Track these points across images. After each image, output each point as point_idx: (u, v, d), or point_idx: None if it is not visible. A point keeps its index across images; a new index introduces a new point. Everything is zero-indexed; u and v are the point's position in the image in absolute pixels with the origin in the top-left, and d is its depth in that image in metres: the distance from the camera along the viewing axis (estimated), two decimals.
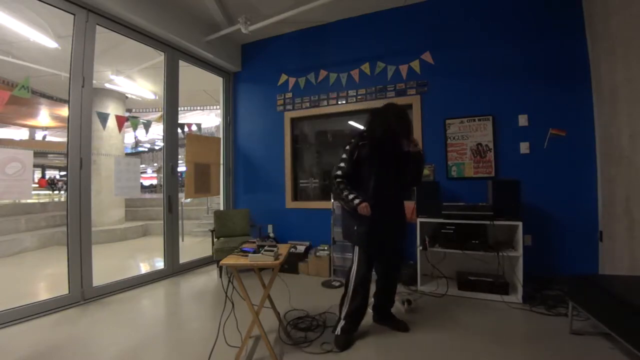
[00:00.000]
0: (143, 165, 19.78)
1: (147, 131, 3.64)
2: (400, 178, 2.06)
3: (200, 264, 4.07)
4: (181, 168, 4.05)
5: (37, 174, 17.89)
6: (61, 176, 17.91)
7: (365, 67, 3.73)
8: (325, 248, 3.60)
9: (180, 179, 4.18)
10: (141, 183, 8.50)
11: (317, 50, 4.02)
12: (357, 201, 1.96)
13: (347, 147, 2.06)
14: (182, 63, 3.89)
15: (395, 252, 2.19)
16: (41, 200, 7.89)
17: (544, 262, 2.95)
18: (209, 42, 3.93)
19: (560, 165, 2.97)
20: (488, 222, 2.71)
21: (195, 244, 5.76)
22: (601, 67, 2.68)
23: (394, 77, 3.60)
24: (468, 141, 3.28)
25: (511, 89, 3.14)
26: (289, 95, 4.17)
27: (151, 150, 18.50)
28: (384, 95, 3.64)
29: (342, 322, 2.03)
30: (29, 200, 6.88)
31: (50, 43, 4.10)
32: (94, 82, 2.99)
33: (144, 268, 4.50)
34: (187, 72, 4.15)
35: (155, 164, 19.93)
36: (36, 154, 13.03)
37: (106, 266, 3.84)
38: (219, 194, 4.42)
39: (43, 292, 3.34)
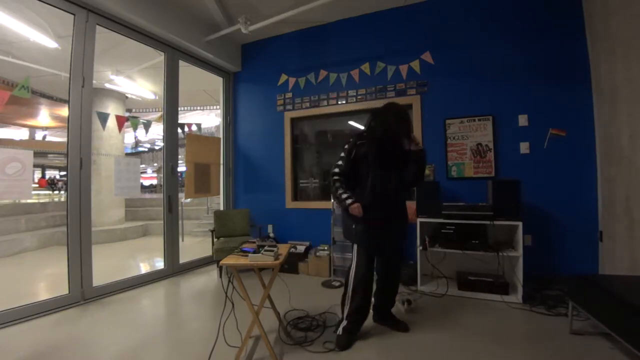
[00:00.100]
0: (143, 165, 19.78)
1: (147, 131, 3.64)
2: (401, 177, 2.05)
3: (200, 264, 4.07)
4: (181, 168, 4.05)
5: (37, 174, 17.89)
6: (61, 176, 17.92)
7: (365, 67, 3.73)
8: (325, 248, 3.60)
9: (180, 179, 4.18)
10: (141, 183, 8.51)
11: (317, 50, 4.02)
12: (349, 201, 1.99)
13: (346, 147, 2.09)
14: (182, 63, 3.89)
15: (395, 251, 2.18)
16: (41, 200, 7.89)
17: (544, 262, 2.95)
18: (209, 42, 3.93)
19: (560, 165, 2.97)
20: (488, 222, 2.71)
21: (195, 244, 5.76)
22: (601, 67, 2.68)
23: (394, 77, 3.60)
24: (468, 141, 3.28)
25: (511, 89, 3.14)
26: (289, 95, 4.17)
27: (151, 150, 18.51)
28: (384, 95, 3.64)
29: (344, 322, 2.02)
30: (29, 200, 6.89)
31: (50, 43, 4.10)
32: (94, 82, 2.99)
33: (144, 268, 4.50)
34: (187, 72, 4.15)
35: (155, 164, 19.94)
36: (36, 154, 13.03)
37: (106, 266, 3.85)
38: (219, 194, 4.42)
39: (43, 292, 3.34)
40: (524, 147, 3.09)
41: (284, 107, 4.21)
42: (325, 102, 3.96)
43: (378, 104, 3.47)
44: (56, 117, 9.54)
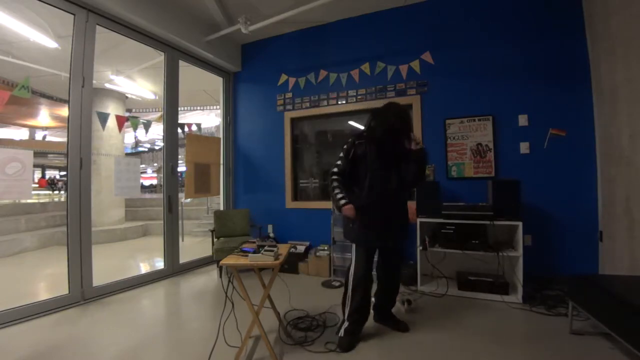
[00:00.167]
0: (143, 165, 19.78)
1: (147, 131, 3.64)
2: (401, 177, 2.04)
3: (200, 264, 4.07)
4: (181, 168, 4.05)
5: (37, 174, 17.90)
6: (61, 176, 17.92)
7: (365, 67, 3.73)
8: (325, 248, 3.60)
9: (180, 179, 4.18)
10: (141, 183, 8.50)
11: (317, 50, 4.02)
12: (342, 202, 2.01)
13: (345, 147, 2.11)
14: (182, 63, 3.89)
15: (395, 251, 2.18)
16: (41, 200, 7.89)
17: (544, 262, 2.95)
18: (209, 42, 3.93)
19: (560, 165, 2.97)
20: (488, 222, 2.71)
21: (195, 244, 5.76)
22: (601, 67, 2.68)
23: (394, 77, 3.60)
24: (468, 141, 3.29)
25: (511, 89, 3.14)
26: (289, 95, 4.17)
27: (151, 150, 18.51)
28: (384, 95, 3.64)
29: (345, 324, 2.02)
30: (29, 200, 6.88)
31: (50, 43, 4.10)
32: (94, 82, 2.99)
33: (144, 268, 4.50)
34: (187, 72, 4.15)
35: (155, 164, 19.94)
36: (36, 154, 13.04)
37: (106, 266, 3.85)
38: (219, 194, 4.42)
39: (43, 292, 3.34)
40: (524, 147, 3.09)
41: (284, 107, 4.21)
42: (325, 102, 3.96)
43: (378, 104, 3.47)
44: (56, 117, 9.54)
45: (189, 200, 7.42)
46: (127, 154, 12.80)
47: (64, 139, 5.09)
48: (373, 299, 2.33)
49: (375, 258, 2.23)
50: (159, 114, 6.59)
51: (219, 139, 4.53)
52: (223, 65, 4.39)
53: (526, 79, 3.09)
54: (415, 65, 3.50)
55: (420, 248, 2.92)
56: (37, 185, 13.66)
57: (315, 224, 3.89)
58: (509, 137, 3.15)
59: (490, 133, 3.20)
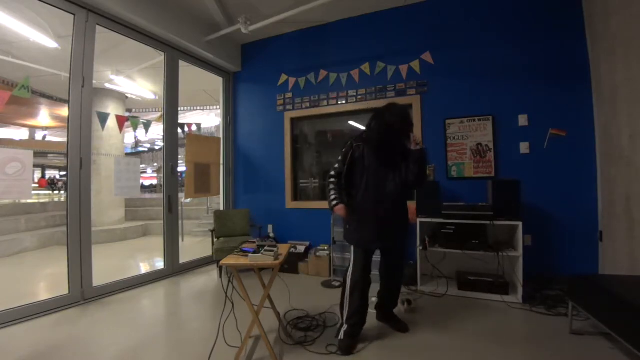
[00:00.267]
0: (143, 165, 19.78)
1: (147, 131, 3.64)
2: (401, 178, 2.04)
3: (200, 264, 4.07)
4: (181, 168, 4.05)
5: (37, 174, 17.90)
6: (61, 176, 17.92)
7: (365, 67, 3.73)
8: (325, 248, 3.60)
9: (180, 179, 4.18)
10: (141, 183, 8.50)
11: (317, 50, 4.02)
12: (334, 202, 2.04)
13: (343, 149, 2.13)
14: (182, 63, 3.89)
15: (396, 252, 2.18)
16: (41, 200, 7.89)
17: (544, 262, 2.95)
18: (209, 42, 3.94)
19: (560, 165, 2.97)
20: (488, 222, 2.71)
21: (195, 244, 5.76)
22: (601, 67, 2.68)
23: (394, 77, 3.60)
24: (468, 141, 3.29)
25: (511, 89, 3.14)
26: (289, 95, 4.17)
27: (151, 150, 18.51)
28: (384, 95, 3.64)
29: (344, 327, 2.00)
30: (29, 200, 6.88)
31: (50, 43, 4.10)
32: (94, 82, 2.99)
33: (144, 268, 4.50)
34: (187, 72, 4.15)
35: (155, 164, 19.94)
36: (36, 154, 13.03)
37: (106, 266, 3.85)
38: (219, 194, 4.42)
39: (43, 292, 3.34)
40: (524, 147, 3.09)
41: (284, 107, 4.21)
42: (325, 102, 3.96)
43: (378, 104, 3.49)
44: (56, 117, 9.55)
45: (189, 200, 7.42)
46: (127, 154, 12.81)
47: (64, 139, 5.09)
48: (375, 299, 2.34)
49: (378, 258, 2.24)
50: (159, 114, 6.59)
51: (219, 139, 4.53)
52: (223, 65, 4.39)
53: (526, 79, 3.09)
54: (415, 65, 3.50)
55: (420, 248, 2.92)
56: (37, 185, 13.66)
57: (315, 224, 3.89)
58: (509, 137, 3.15)
59: (490, 133, 3.20)
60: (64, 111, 8.01)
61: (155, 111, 8.01)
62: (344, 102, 3.86)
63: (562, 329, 2.13)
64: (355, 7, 3.65)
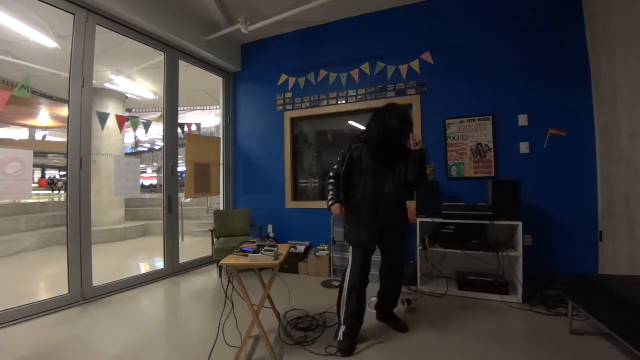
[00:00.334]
0: (143, 165, 19.78)
1: (147, 131, 3.64)
2: (400, 178, 2.03)
3: (200, 264, 4.07)
4: (181, 168, 4.05)
5: (37, 174, 17.90)
6: (61, 176, 17.92)
7: (365, 67, 3.73)
8: (325, 248, 3.60)
9: (180, 179, 4.18)
10: (141, 183, 8.50)
11: (317, 50, 4.02)
12: (331, 202, 2.07)
13: (342, 151, 2.15)
14: (182, 63, 3.89)
15: (396, 252, 2.18)
16: (41, 200, 7.89)
17: (544, 262, 2.95)
18: (209, 42, 3.93)
19: (560, 165, 2.97)
20: (488, 222, 2.71)
21: (195, 244, 5.76)
22: (601, 67, 2.68)
23: (394, 77, 3.60)
24: (468, 141, 3.28)
25: (511, 89, 3.14)
26: (289, 95, 4.17)
27: (151, 150, 18.51)
28: (384, 95, 3.64)
29: (343, 328, 2.00)
30: (29, 200, 6.88)
31: (50, 43, 4.10)
32: (94, 82, 2.99)
33: (144, 268, 4.50)
34: (187, 72, 4.15)
35: (155, 164, 19.94)
36: (36, 154, 13.04)
37: (106, 266, 3.85)
38: (219, 194, 4.42)
39: (43, 292, 3.34)
40: (524, 147, 3.09)
41: (284, 107, 4.21)
42: (325, 102, 3.96)
43: (378, 104, 3.49)
44: (56, 117, 9.55)
45: (189, 200, 7.42)
46: (127, 154, 12.81)
47: (64, 139, 5.09)
48: (375, 299, 2.35)
49: (379, 258, 2.24)
50: (159, 114, 6.59)
51: (219, 139, 4.53)
52: (223, 65, 4.39)
53: (526, 79, 3.09)
54: (415, 65, 3.50)
55: (420, 248, 2.92)
56: (37, 185, 13.66)
57: (315, 224, 3.89)
58: (509, 137, 3.15)
59: (490, 133, 3.20)
60: (64, 111, 8.01)
61: (155, 111, 8.01)
62: (344, 102, 3.86)
63: (562, 329, 2.13)
64: (355, 7, 3.65)
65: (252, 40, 4.38)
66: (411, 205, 2.73)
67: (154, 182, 20.34)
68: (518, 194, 2.70)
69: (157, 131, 5.07)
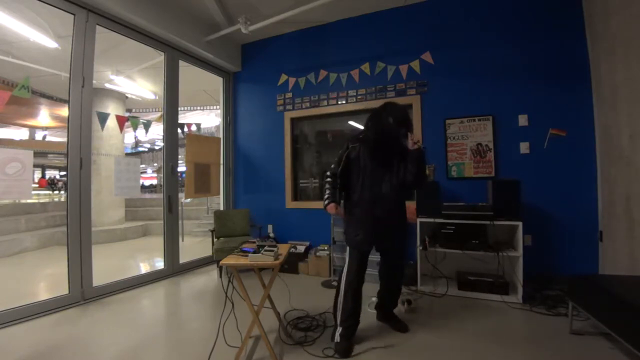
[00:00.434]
0: (143, 165, 19.79)
1: (147, 131, 3.64)
2: (399, 178, 2.01)
3: (200, 264, 4.07)
4: (181, 168, 4.05)
5: (37, 174, 17.90)
6: (61, 176, 17.92)
7: (365, 67, 3.73)
8: (325, 248, 3.60)
9: (180, 179, 4.19)
10: (141, 183, 8.50)
11: (317, 50, 4.02)
12: (327, 201, 2.07)
13: (340, 151, 2.15)
14: (182, 63, 3.89)
15: (395, 252, 2.17)
16: (41, 200, 7.89)
17: (544, 262, 2.95)
18: (209, 42, 3.93)
19: (560, 165, 2.97)
20: (488, 222, 2.71)
21: (195, 244, 5.76)
22: (601, 67, 2.68)
23: (394, 77, 3.60)
24: (468, 141, 3.28)
25: (511, 89, 3.14)
26: (289, 95, 4.17)
27: (151, 150, 18.51)
28: (384, 95, 3.64)
29: (339, 329, 1.98)
30: (29, 200, 6.88)
31: (50, 43, 4.10)
32: (94, 82, 2.99)
33: (144, 268, 4.50)
34: (187, 72, 4.15)
35: (155, 164, 19.95)
36: (36, 154, 13.04)
37: (106, 266, 3.85)
38: (219, 194, 4.42)
39: (43, 292, 3.34)
40: (524, 147, 3.09)
41: (284, 107, 4.21)
42: (325, 102, 3.96)
43: (378, 104, 3.46)
44: (56, 117, 9.55)
45: (189, 200, 7.42)
46: (127, 154, 12.81)
47: (64, 139, 5.09)
48: (375, 299, 2.35)
49: (378, 258, 2.24)
50: (159, 114, 6.59)
51: (219, 139, 4.53)
52: (223, 65, 4.39)
53: (526, 79, 3.09)
54: (415, 65, 3.50)
55: (420, 248, 2.92)
56: (37, 185, 13.66)
57: (315, 224, 3.89)
58: (509, 137, 3.15)
59: (490, 133, 3.20)
60: (64, 111, 8.01)
61: (155, 111, 8.01)
62: (344, 102, 3.86)
63: (562, 329, 2.13)
64: (355, 7, 3.65)
65: (252, 40, 4.38)
66: (411, 205, 2.73)
67: (154, 182, 20.35)
68: (518, 194, 2.69)
69: (157, 131, 5.07)
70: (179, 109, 3.97)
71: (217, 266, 3.68)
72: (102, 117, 3.23)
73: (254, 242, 2.08)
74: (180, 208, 4.36)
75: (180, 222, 4.40)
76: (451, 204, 2.97)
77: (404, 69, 3.55)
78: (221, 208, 4.54)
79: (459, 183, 3.31)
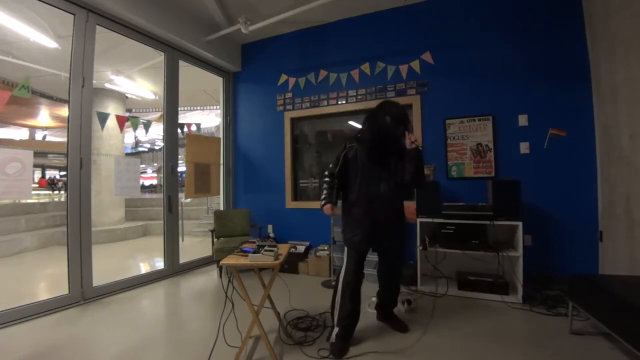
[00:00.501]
0: (143, 165, 19.78)
1: (147, 131, 3.64)
2: (396, 177, 1.99)
3: (200, 264, 4.07)
4: (181, 168, 4.05)
5: (37, 174, 17.90)
6: (61, 176, 17.92)
7: (365, 67, 3.73)
8: (325, 248, 3.60)
9: (180, 179, 4.19)
10: (141, 183, 8.50)
11: (317, 50, 4.02)
12: (323, 202, 2.09)
13: (338, 151, 2.15)
14: (182, 63, 3.89)
15: (394, 252, 2.17)
16: (41, 200, 7.89)
17: (544, 262, 2.95)
18: (209, 42, 3.93)
19: (560, 165, 2.97)
20: (488, 222, 2.71)
21: (195, 244, 5.76)
22: (601, 67, 2.68)
23: (394, 77, 3.60)
24: (468, 141, 3.28)
25: (511, 89, 3.14)
26: (289, 95, 4.17)
27: (151, 150, 18.51)
28: (384, 95, 3.64)
29: (336, 329, 1.97)
30: (29, 200, 6.88)
31: (50, 43, 4.10)
32: (94, 82, 2.99)
33: (144, 268, 4.50)
34: (187, 72, 4.15)
35: (155, 164, 19.94)
36: (36, 154, 13.03)
37: (106, 266, 3.85)
38: (219, 194, 4.42)
39: (43, 292, 3.34)
40: (524, 147, 3.09)
41: (284, 107, 4.20)
42: (325, 102, 3.96)
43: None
44: (56, 117, 9.55)
45: (189, 200, 7.42)
46: (127, 154, 12.81)
47: (64, 139, 5.09)
48: (375, 299, 2.35)
49: (377, 258, 2.24)
50: (159, 114, 6.59)
51: (219, 139, 4.53)
52: (223, 65, 4.39)
53: (526, 79, 3.09)
54: (415, 65, 3.50)
55: (420, 248, 2.91)
56: (37, 185, 13.65)
57: (315, 224, 3.89)
58: (509, 137, 3.15)
59: (490, 133, 3.20)
60: (64, 111, 8.01)
61: (155, 111, 8.01)
62: (344, 102, 3.86)
63: (562, 329, 2.13)
64: (355, 7, 3.65)
65: (252, 40, 4.38)
66: (411, 205, 2.73)
67: (154, 182, 20.34)
68: (518, 194, 2.69)
69: (157, 131, 5.07)
70: (179, 109, 3.97)
71: (217, 266, 3.68)
72: (102, 117, 3.23)
73: (254, 242, 2.08)
74: (180, 208, 4.36)
75: (180, 222, 4.40)
76: (451, 204, 2.97)
77: (404, 69, 3.55)
78: (221, 208, 4.54)
79: (459, 183, 3.31)
